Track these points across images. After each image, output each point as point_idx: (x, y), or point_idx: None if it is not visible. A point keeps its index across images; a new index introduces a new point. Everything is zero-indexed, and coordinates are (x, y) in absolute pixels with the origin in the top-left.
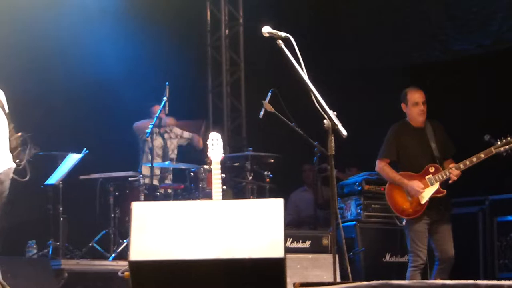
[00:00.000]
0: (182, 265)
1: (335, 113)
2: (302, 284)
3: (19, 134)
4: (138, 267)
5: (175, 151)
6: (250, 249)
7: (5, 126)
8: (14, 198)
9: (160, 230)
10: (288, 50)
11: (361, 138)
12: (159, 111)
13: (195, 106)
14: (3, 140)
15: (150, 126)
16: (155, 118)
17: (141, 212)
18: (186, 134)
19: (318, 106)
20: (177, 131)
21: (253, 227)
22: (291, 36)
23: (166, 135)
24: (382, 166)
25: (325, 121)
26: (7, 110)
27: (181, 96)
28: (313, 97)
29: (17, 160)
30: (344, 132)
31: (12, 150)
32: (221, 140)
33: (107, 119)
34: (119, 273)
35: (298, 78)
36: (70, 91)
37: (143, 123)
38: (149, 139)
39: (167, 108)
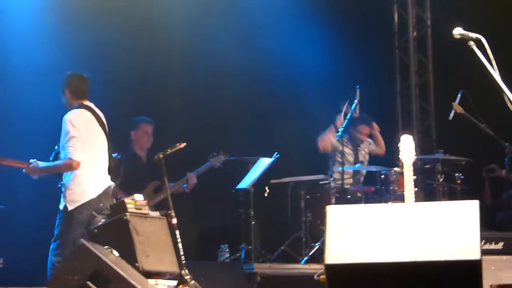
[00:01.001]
0: (378, 268)
1: None
2: (499, 286)
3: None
4: (334, 270)
5: (366, 157)
6: (446, 251)
7: (105, 146)
8: (206, 203)
9: (355, 233)
10: (480, 51)
11: None
12: (349, 113)
13: (383, 108)
14: (104, 159)
15: (341, 129)
16: (346, 121)
17: (336, 215)
18: (374, 146)
19: (511, 108)
20: (368, 140)
21: (448, 229)
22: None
23: (358, 141)
24: None
25: None
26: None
27: (369, 99)
28: (506, 98)
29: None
30: None
31: (110, 169)
32: (413, 142)
33: (296, 122)
34: (315, 276)
35: (491, 79)
36: (261, 96)
37: (325, 139)
38: (338, 143)
39: (357, 111)
